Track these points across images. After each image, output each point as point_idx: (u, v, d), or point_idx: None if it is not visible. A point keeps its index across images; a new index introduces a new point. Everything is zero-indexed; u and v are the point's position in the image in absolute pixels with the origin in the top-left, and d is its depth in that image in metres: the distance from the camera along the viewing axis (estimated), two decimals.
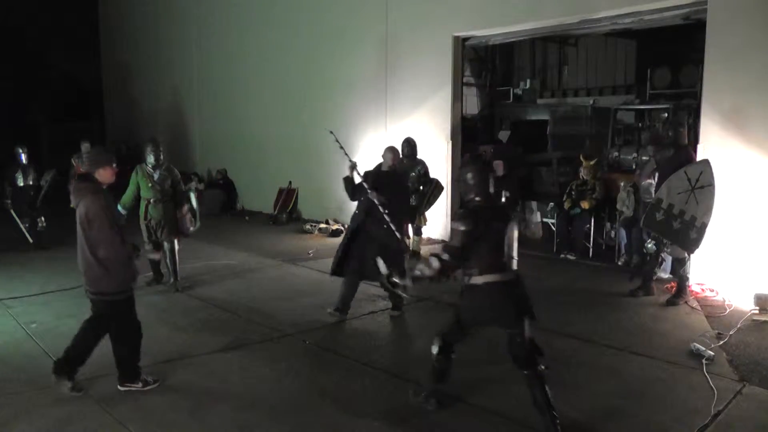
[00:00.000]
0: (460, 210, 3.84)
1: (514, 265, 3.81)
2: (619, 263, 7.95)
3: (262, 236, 10.43)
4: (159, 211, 6.86)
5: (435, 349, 3.94)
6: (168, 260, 7.01)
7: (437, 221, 9.57)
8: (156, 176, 6.86)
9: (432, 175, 8.54)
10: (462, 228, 3.65)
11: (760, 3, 6.41)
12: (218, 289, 7.05)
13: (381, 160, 6.21)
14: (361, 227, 5.86)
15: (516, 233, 3.85)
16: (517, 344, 3.69)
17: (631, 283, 6.71)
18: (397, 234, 5.67)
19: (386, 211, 5.61)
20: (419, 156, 8.59)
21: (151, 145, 6.95)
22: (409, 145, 8.57)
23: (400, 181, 6.36)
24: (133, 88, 16.92)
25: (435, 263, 3.68)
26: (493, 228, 3.73)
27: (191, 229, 7.11)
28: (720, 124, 6.70)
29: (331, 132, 6.42)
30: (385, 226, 5.62)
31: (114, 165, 4.36)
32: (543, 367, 3.67)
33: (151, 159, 6.88)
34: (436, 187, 8.51)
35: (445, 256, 3.68)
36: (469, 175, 3.81)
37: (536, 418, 3.66)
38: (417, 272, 3.80)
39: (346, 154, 6.15)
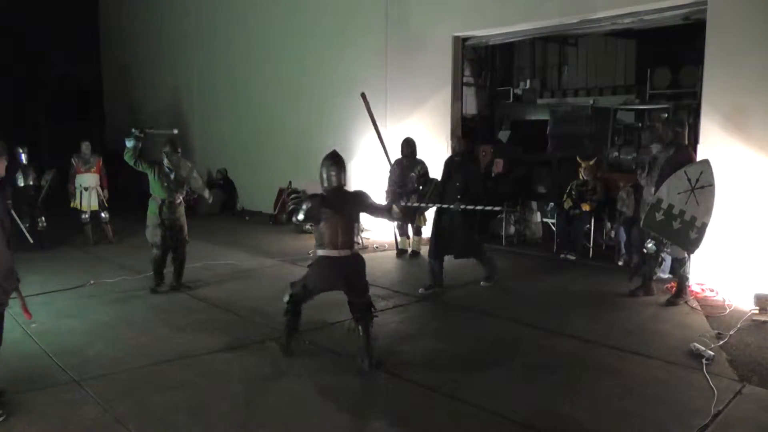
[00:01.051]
0: (311, 194, 4.94)
1: (353, 246, 4.83)
2: (620, 263, 7.95)
3: (262, 236, 10.43)
4: (174, 212, 6.82)
5: (285, 298, 4.94)
6: (176, 263, 6.98)
7: None
8: (173, 177, 6.83)
9: (431, 175, 8.55)
10: (304, 205, 4.74)
11: (760, 3, 6.41)
12: (218, 289, 7.04)
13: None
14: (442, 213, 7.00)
15: (354, 222, 4.87)
16: (355, 305, 4.79)
17: (631, 283, 6.71)
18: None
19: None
20: (419, 156, 8.61)
21: (170, 147, 6.79)
22: (409, 145, 8.60)
23: (469, 169, 7.06)
24: (133, 88, 16.92)
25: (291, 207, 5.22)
26: (332, 216, 4.67)
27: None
28: (720, 124, 6.70)
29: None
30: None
31: (6, 156, 4.10)
32: (377, 316, 4.91)
33: (167, 161, 6.78)
34: (435, 188, 8.52)
35: (301, 216, 4.76)
36: (322, 171, 4.82)
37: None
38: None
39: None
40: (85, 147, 9.49)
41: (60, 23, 18.34)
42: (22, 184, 9.28)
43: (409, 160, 8.55)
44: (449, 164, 7.14)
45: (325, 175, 4.82)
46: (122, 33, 17.23)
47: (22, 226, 9.15)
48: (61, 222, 9.80)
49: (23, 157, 9.34)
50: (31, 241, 9.13)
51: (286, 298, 4.92)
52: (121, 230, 9.71)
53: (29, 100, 18.57)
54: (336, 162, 4.83)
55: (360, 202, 4.90)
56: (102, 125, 18.42)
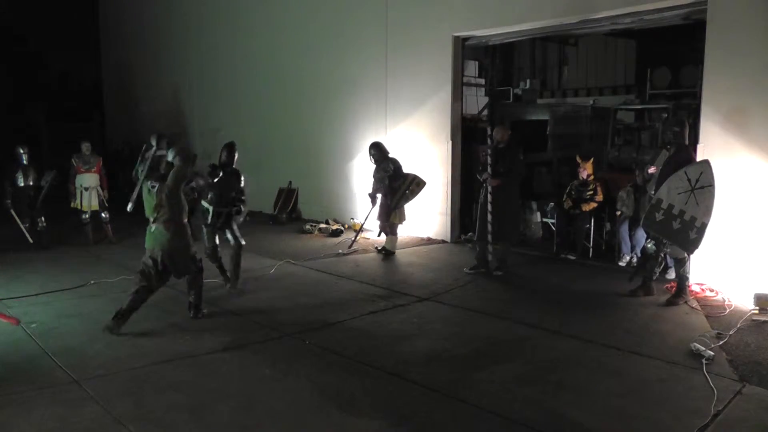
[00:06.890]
0: None
1: None
2: (620, 263, 7.94)
3: (261, 236, 10.41)
4: None
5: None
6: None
7: (437, 220, 9.57)
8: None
9: (429, 173, 8.56)
10: None
11: (760, 3, 6.41)
12: (218, 290, 7.04)
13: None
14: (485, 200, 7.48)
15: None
16: None
17: (631, 283, 6.71)
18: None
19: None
20: (392, 155, 8.73)
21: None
22: (378, 149, 8.73)
23: (512, 154, 7.55)
24: (133, 88, 16.91)
25: None
26: None
27: None
28: (720, 124, 6.70)
29: None
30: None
31: None
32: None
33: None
34: (413, 182, 8.55)
35: None
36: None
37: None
38: None
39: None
40: (86, 147, 9.49)
41: (60, 23, 18.34)
42: (22, 184, 9.27)
43: (380, 162, 8.64)
44: (494, 151, 7.52)
45: None
46: (122, 33, 17.23)
47: (22, 226, 9.17)
48: (61, 222, 9.79)
49: (23, 157, 9.33)
50: (31, 241, 9.15)
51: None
52: (121, 230, 9.70)
53: (29, 100, 18.58)
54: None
55: None
56: (102, 125, 18.43)
